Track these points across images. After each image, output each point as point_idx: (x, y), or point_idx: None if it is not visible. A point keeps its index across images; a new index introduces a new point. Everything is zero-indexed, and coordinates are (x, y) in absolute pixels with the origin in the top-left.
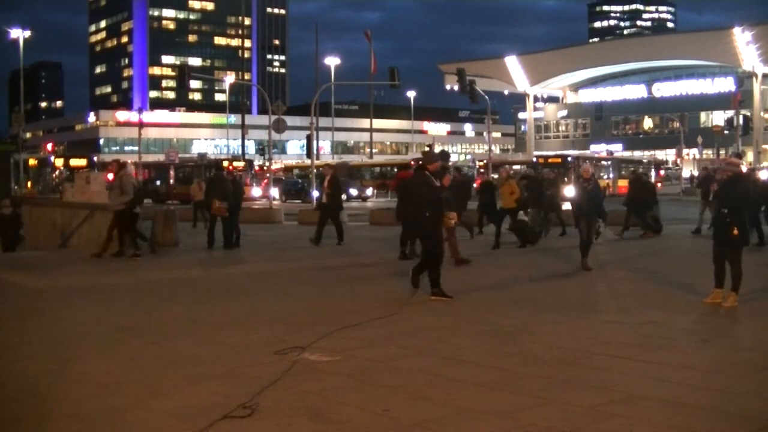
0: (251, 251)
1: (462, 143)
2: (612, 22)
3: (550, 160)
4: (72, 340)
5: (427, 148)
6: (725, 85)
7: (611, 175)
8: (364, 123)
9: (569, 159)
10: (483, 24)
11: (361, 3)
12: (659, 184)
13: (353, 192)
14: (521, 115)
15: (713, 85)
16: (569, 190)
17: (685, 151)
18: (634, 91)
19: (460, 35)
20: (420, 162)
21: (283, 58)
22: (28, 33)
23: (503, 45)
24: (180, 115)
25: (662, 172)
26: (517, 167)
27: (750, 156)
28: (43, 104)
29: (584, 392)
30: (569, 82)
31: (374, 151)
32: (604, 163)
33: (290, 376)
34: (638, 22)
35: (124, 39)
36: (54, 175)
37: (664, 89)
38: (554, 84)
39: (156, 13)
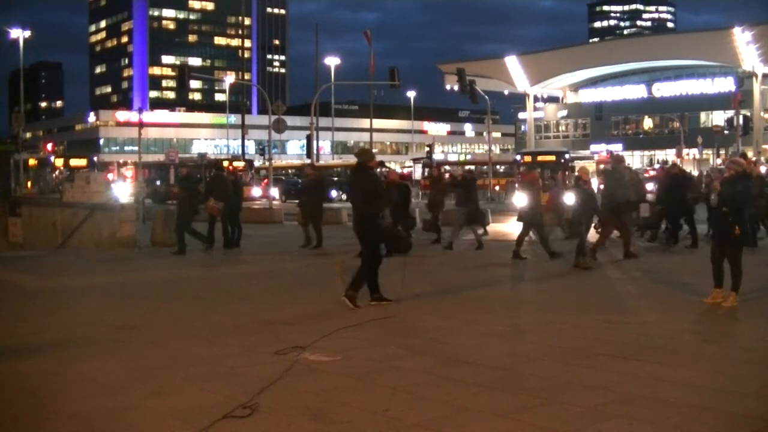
0: (251, 251)
1: (462, 143)
2: (612, 22)
3: (540, 158)
4: (72, 340)
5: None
6: (725, 85)
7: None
8: (364, 123)
9: (567, 156)
10: (482, 24)
11: (360, 3)
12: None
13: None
14: (521, 115)
15: (713, 85)
16: (568, 194)
17: (685, 151)
18: (634, 91)
19: (458, 35)
20: (361, 160)
21: (283, 58)
22: (28, 33)
23: (502, 45)
24: (180, 115)
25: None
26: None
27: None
28: (43, 104)
29: (584, 392)
30: (569, 82)
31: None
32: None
33: (290, 376)
34: (638, 22)
35: (124, 39)
36: (54, 175)
37: (664, 89)
38: (554, 84)
39: (156, 13)
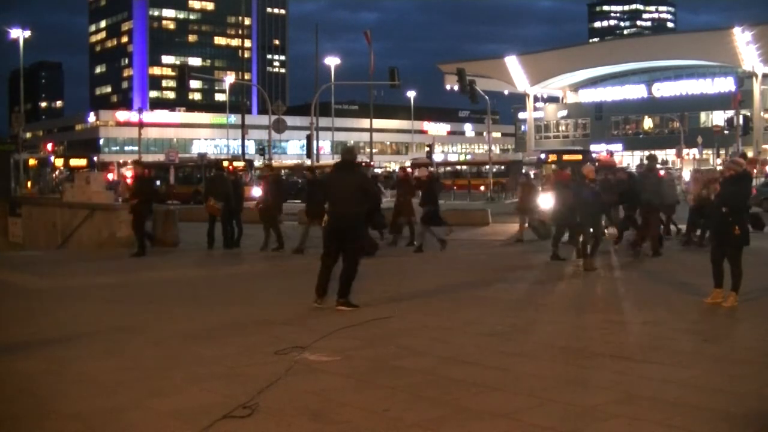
0: (251, 251)
1: (462, 143)
2: (612, 22)
3: (565, 158)
4: (72, 340)
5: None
6: (725, 85)
7: None
8: (364, 123)
9: (593, 155)
10: (481, 24)
11: (359, 3)
12: None
13: None
14: (521, 115)
15: (713, 85)
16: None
17: (685, 151)
18: (634, 91)
19: (458, 35)
20: (350, 158)
21: (283, 58)
22: (28, 33)
23: (501, 45)
24: (180, 115)
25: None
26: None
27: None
28: (43, 104)
29: (584, 392)
30: (569, 82)
31: (374, 151)
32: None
33: (290, 376)
34: (638, 22)
35: (124, 39)
36: (54, 175)
37: (664, 89)
38: (554, 84)
39: (156, 13)
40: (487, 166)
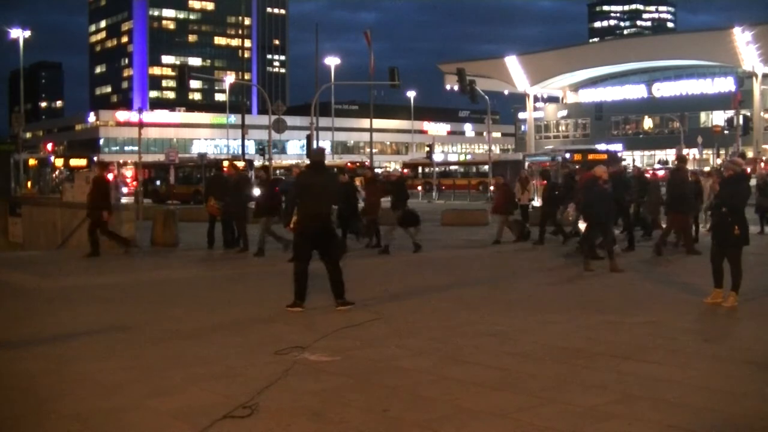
0: (251, 250)
1: (462, 143)
2: (612, 22)
3: (591, 157)
4: (72, 340)
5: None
6: (725, 85)
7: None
8: (364, 123)
9: (618, 154)
10: (480, 24)
11: (358, 3)
12: None
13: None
14: (521, 115)
15: (713, 85)
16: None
17: (685, 151)
18: (634, 91)
19: (457, 36)
20: (317, 160)
21: (283, 58)
22: (28, 33)
23: (501, 45)
24: (180, 115)
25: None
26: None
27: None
28: (43, 104)
29: (584, 392)
30: (569, 82)
31: (374, 151)
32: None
33: (290, 376)
34: (638, 22)
35: (124, 39)
36: (54, 175)
37: (664, 89)
38: (554, 84)
39: (156, 13)
40: (485, 167)
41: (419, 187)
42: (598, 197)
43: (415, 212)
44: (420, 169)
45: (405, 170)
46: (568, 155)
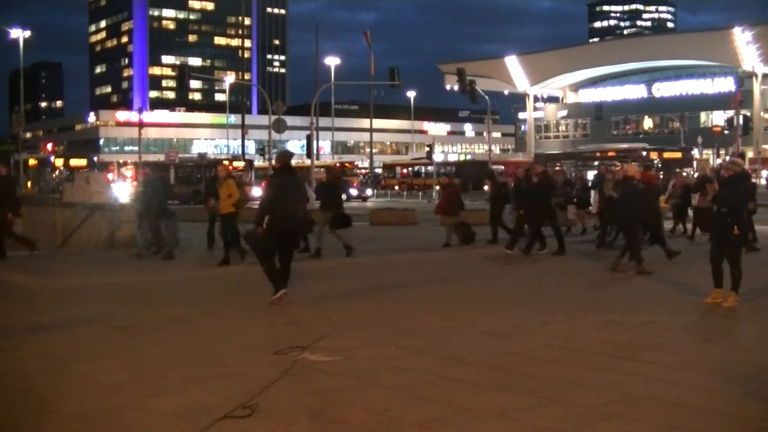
0: (250, 251)
1: (462, 143)
2: (612, 22)
3: (666, 155)
4: (72, 340)
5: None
6: (725, 85)
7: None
8: (364, 123)
9: (694, 152)
10: (479, 24)
11: (357, 4)
12: None
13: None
14: (521, 115)
15: (713, 85)
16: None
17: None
18: (634, 91)
19: (457, 36)
20: (282, 162)
21: (283, 58)
22: (28, 33)
23: (500, 45)
24: (180, 115)
25: None
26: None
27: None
28: (43, 104)
29: (584, 392)
30: (569, 82)
31: (374, 151)
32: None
33: (290, 376)
34: (638, 22)
35: (124, 39)
36: (54, 175)
37: (664, 89)
38: (554, 84)
39: (156, 13)
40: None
41: (396, 187)
42: (627, 196)
43: (347, 214)
44: (398, 169)
45: (348, 165)
46: (644, 153)
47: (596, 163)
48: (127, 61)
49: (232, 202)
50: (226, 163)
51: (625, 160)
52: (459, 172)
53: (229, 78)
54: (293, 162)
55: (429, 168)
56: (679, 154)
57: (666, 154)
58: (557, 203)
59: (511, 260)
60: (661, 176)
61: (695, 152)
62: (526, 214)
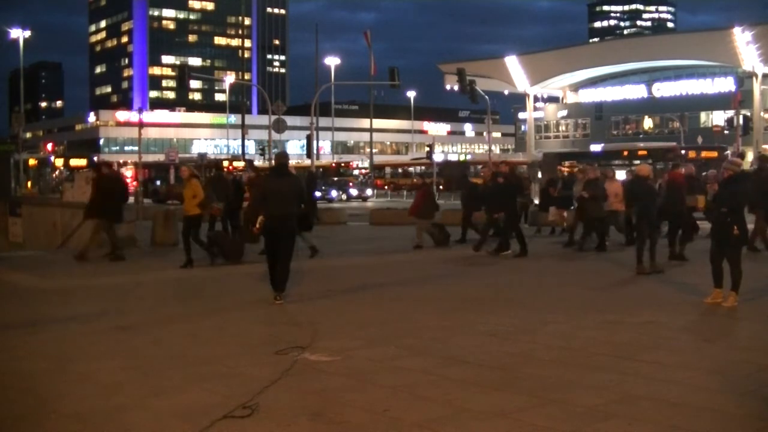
0: (251, 251)
1: (462, 143)
2: (612, 22)
3: (704, 155)
4: (72, 340)
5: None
6: (725, 85)
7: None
8: (364, 123)
9: (727, 152)
10: (478, 24)
11: (356, 4)
12: None
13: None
14: (521, 115)
15: (713, 85)
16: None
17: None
18: (634, 91)
19: (456, 36)
20: (276, 163)
21: (283, 58)
22: (28, 33)
23: (500, 45)
24: (180, 115)
25: None
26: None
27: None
28: (43, 104)
29: (584, 392)
30: (569, 82)
31: (374, 151)
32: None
33: (290, 376)
34: (638, 22)
35: (124, 39)
36: (54, 175)
37: (664, 89)
38: (554, 84)
39: (156, 13)
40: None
41: (386, 187)
42: (640, 196)
43: (307, 216)
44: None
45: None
46: (683, 151)
47: (618, 162)
48: (127, 61)
49: (196, 202)
50: (190, 166)
51: (660, 159)
52: (442, 172)
53: (229, 78)
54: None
55: (418, 168)
56: (715, 153)
57: (703, 153)
58: (522, 203)
59: (508, 261)
60: (702, 175)
61: (729, 152)
62: (490, 214)
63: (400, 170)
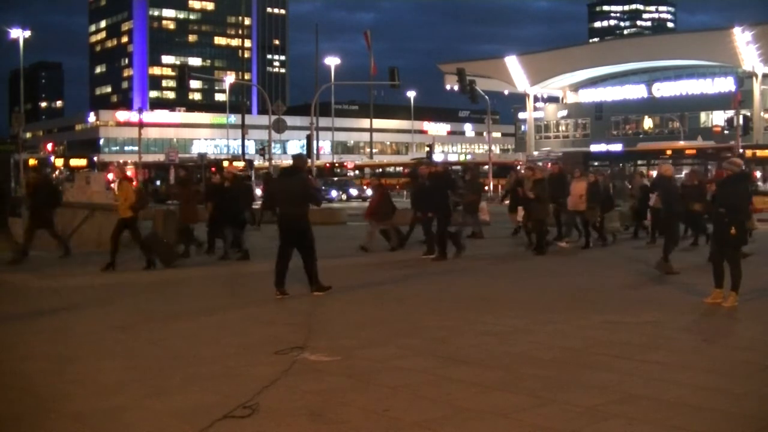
0: (251, 251)
1: (462, 143)
2: (612, 22)
3: (759, 153)
4: (72, 340)
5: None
6: (725, 85)
7: None
8: (364, 123)
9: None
10: (478, 24)
11: (355, 4)
12: None
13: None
14: (521, 115)
15: (713, 85)
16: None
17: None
18: (634, 91)
19: (455, 36)
20: (292, 164)
21: (283, 58)
22: (28, 33)
23: (500, 45)
24: (180, 115)
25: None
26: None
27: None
28: (43, 104)
29: (584, 392)
30: (569, 82)
31: (374, 151)
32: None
33: (290, 376)
34: (638, 22)
35: (124, 39)
36: (54, 175)
37: (664, 89)
38: (554, 84)
39: (156, 13)
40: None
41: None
42: (666, 195)
43: (236, 216)
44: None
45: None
46: (741, 150)
47: (656, 162)
48: (127, 61)
49: (128, 205)
50: (117, 167)
51: (712, 158)
52: (412, 173)
53: (229, 78)
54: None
55: (398, 168)
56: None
57: (759, 152)
58: (455, 203)
59: (509, 260)
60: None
61: None
62: (422, 214)
63: (379, 170)
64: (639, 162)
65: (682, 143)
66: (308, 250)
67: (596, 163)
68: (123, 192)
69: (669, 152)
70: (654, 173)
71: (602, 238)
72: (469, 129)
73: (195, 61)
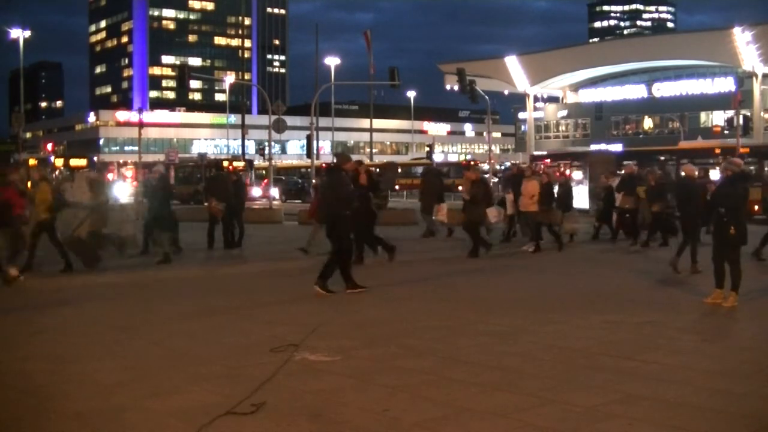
0: (252, 251)
1: (462, 143)
2: (612, 22)
3: None
4: (72, 340)
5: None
6: (725, 85)
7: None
8: (364, 123)
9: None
10: (477, 24)
11: (355, 4)
12: None
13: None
14: (521, 115)
15: (713, 85)
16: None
17: None
18: (634, 91)
19: (455, 36)
20: (335, 163)
21: (283, 58)
22: (28, 33)
23: (500, 45)
24: (180, 115)
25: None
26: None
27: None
28: (43, 104)
29: (584, 392)
30: (569, 82)
31: (374, 151)
32: None
33: (290, 376)
34: (638, 22)
35: (124, 39)
36: (54, 175)
37: (664, 89)
38: (554, 84)
39: (156, 13)
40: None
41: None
42: (686, 196)
43: (165, 218)
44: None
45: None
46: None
47: (701, 161)
48: (127, 61)
49: (45, 207)
50: (41, 168)
51: (752, 159)
52: (382, 173)
53: (229, 78)
54: (296, 162)
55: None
56: None
57: None
58: (376, 204)
59: (509, 260)
60: None
61: None
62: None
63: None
64: (682, 161)
65: (731, 141)
66: (335, 250)
67: (629, 162)
68: (41, 194)
69: (718, 150)
70: (683, 173)
71: (558, 242)
72: (469, 129)
73: (195, 61)
